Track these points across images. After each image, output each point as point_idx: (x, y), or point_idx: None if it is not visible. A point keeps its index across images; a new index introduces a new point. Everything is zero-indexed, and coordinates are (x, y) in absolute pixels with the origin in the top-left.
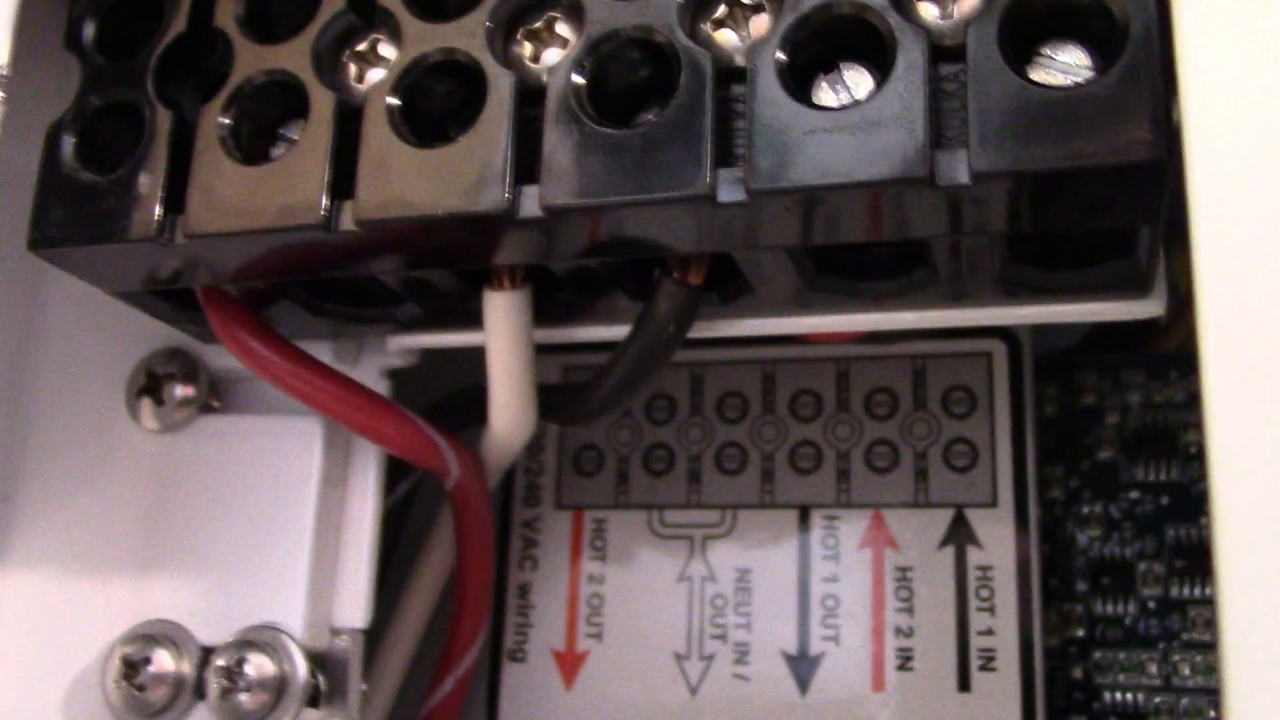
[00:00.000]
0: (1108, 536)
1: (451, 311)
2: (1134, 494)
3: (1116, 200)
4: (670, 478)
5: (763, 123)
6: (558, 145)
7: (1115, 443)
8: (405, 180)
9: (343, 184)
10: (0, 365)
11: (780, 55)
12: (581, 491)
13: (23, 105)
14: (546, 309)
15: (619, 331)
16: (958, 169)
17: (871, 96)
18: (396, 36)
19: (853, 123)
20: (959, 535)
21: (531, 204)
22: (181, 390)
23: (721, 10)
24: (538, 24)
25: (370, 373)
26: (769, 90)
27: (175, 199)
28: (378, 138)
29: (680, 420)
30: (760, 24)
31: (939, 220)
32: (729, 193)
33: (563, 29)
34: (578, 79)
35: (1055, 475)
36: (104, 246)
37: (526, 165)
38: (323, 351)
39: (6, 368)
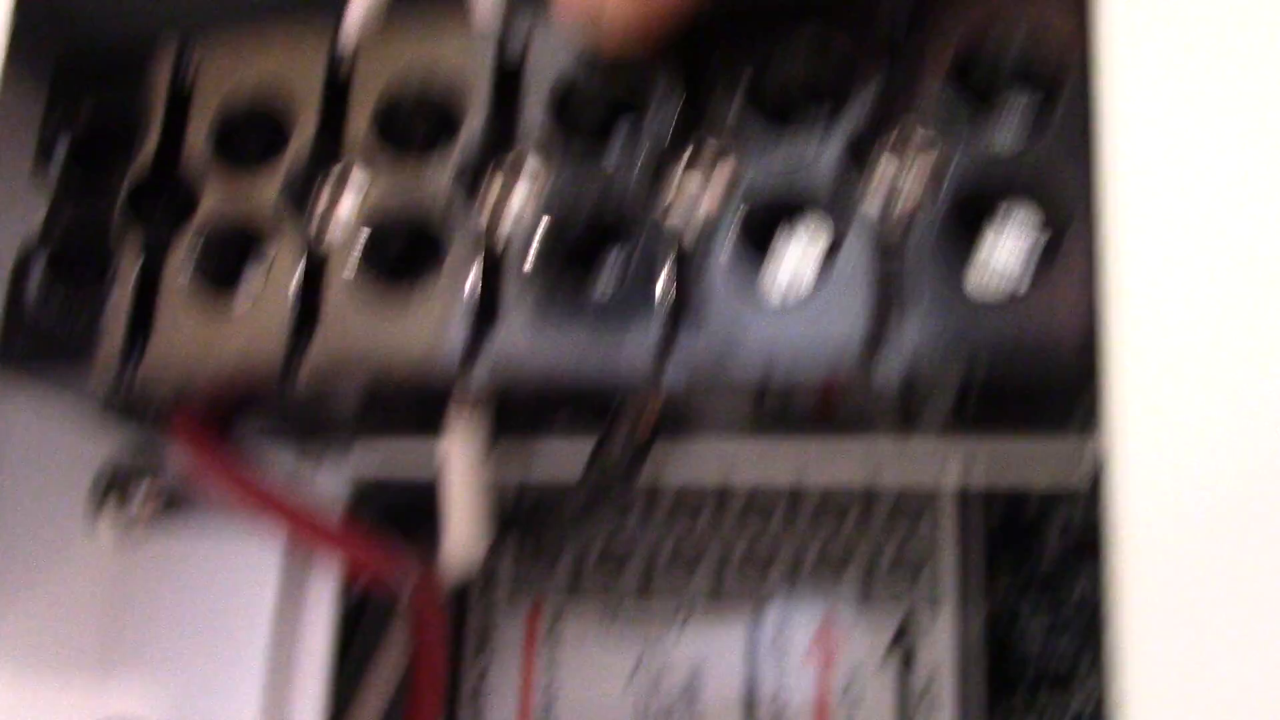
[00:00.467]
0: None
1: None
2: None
3: (1046, 398)
4: (627, 569)
5: (712, 305)
6: (514, 306)
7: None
8: (364, 333)
9: (304, 331)
10: None
11: (730, 242)
12: (537, 583)
13: None
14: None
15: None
16: (896, 362)
17: (815, 289)
18: (362, 179)
19: (796, 310)
20: (906, 637)
21: (484, 368)
22: (144, 492)
23: (680, 177)
24: (503, 169)
25: (334, 480)
26: (719, 271)
27: (139, 332)
28: (338, 288)
29: (637, 511)
30: (713, 196)
31: (881, 402)
32: (675, 376)
33: (524, 184)
34: (536, 242)
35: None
36: (68, 374)
37: (486, 320)
38: (285, 458)
39: None
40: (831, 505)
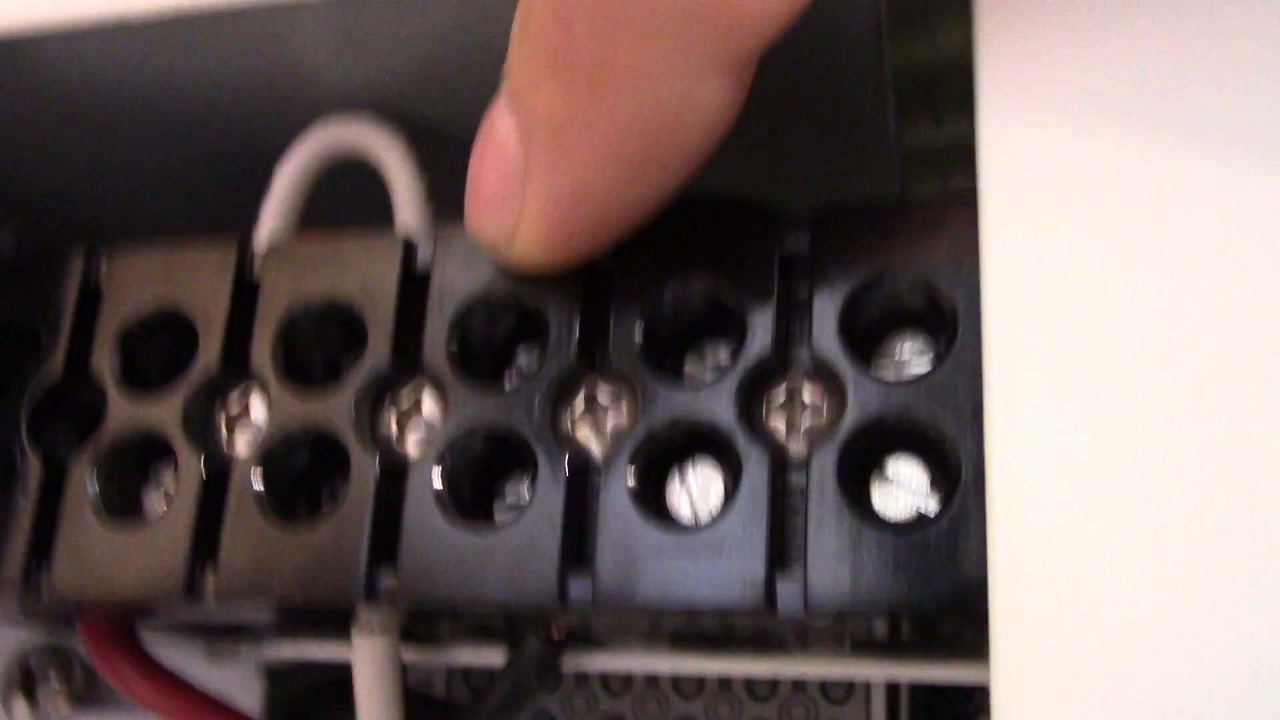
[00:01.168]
0: None
1: (323, 628)
2: None
3: (954, 630)
4: None
5: (611, 536)
6: (415, 539)
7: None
8: (268, 558)
9: (208, 550)
10: None
11: (630, 473)
12: None
13: None
14: (420, 638)
15: (496, 658)
16: (794, 601)
17: (715, 517)
18: (266, 399)
19: (696, 546)
20: None
21: (388, 595)
22: (56, 687)
23: (580, 408)
24: (404, 399)
25: (246, 672)
26: (618, 503)
27: (42, 552)
28: (242, 511)
29: (566, 691)
30: (619, 419)
31: (785, 630)
32: (577, 601)
33: (429, 406)
34: (437, 475)
35: None
36: None
37: (387, 549)
38: (196, 651)
39: None
40: (761, 686)
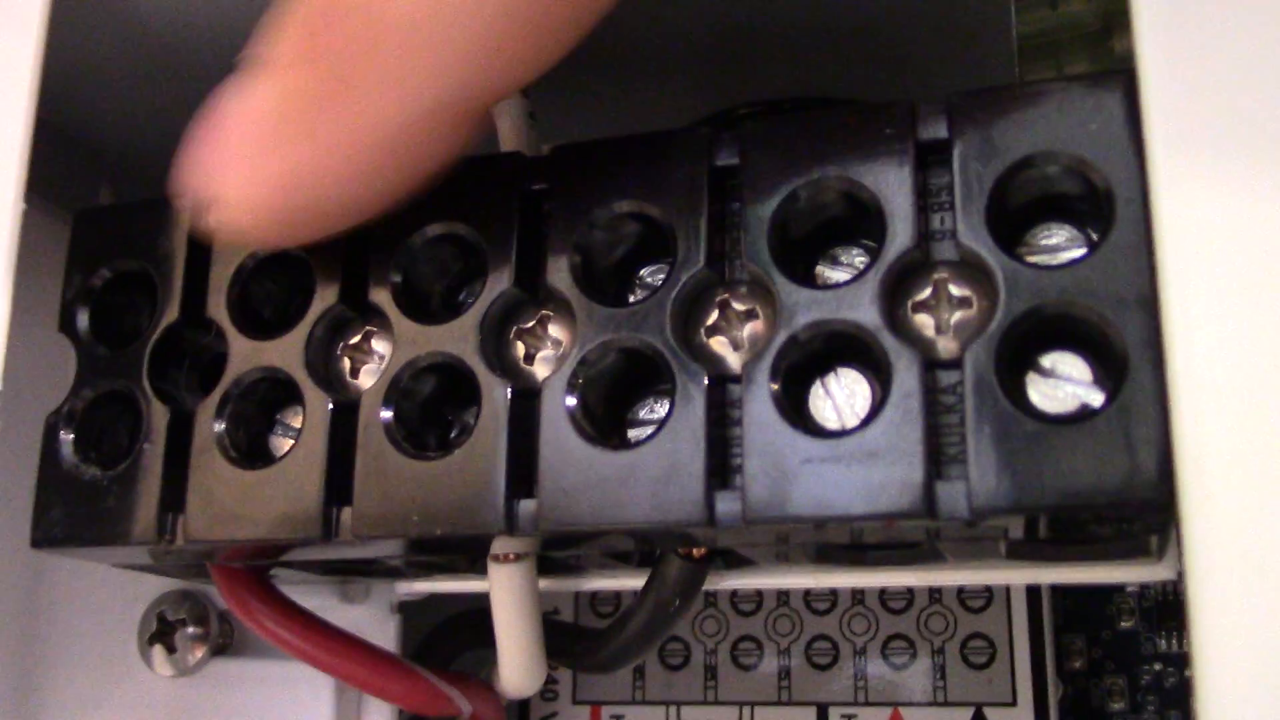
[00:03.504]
0: (1133, 710)
1: (458, 563)
2: (1157, 666)
3: (1123, 524)
4: (687, 673)
5: (757, 448)
6: (553, 462)
7: (1136, 611)
8: (402, 493)
9: (340, 488)
10: (12, 614)
11: (773, 382)
12: (598, 687)
13: (19, 387)
14: (552, 566)
15: (629, 582)
16: (958, 503)
17: (867, 422)
18: (389, 334)
19: (849, 453)
20: None
21: (529, 523)
22: (193, 634)
23: (714, 316)
24: (530, 323)
25: (380, 609)
26: (763, 413)
27: (174, 498)
28: (373, 447)
29: (696, 613)
30: (756, 328)
31: (944, 536)
32: (726, 518)
33: (555, 329)
34: (570, 399)
35: (1075, 646)
36: (106, 546)
37: (524, 476)
38: (330, 592)
39: (18, 617)
40: (896, 600)
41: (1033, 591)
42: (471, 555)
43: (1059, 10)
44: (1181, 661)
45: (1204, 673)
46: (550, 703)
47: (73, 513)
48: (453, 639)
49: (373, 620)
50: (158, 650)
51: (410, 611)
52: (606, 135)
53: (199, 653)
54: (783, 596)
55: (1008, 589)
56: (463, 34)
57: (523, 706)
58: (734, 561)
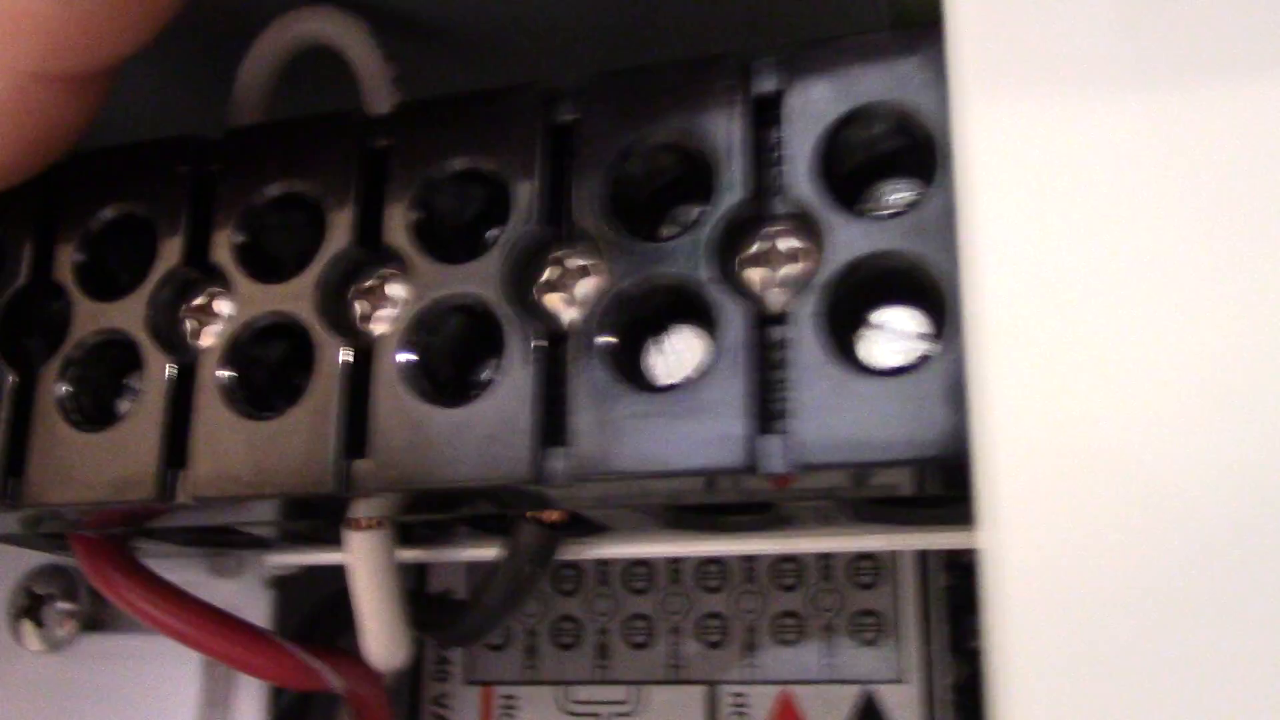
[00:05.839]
0: None
1: (321, 534)
2: None
3: (928, 484)
4: (578, 652)
5: (585, 405)
6: (386, 421)
7: None
8: (237, 453)
9: (179, 451)
10: None
11: (602, 336)
12: (490, 666)
13: None
14: (408, 534)
15: (486, 553)
16: (775, 459)
17: (694, 378)
18: (233, 296)
19: (676, 408)
20: (869, 713)
21: (362, 482)
22: (62, 609)
23: (548, 273)
24: (370, 282)
25: (253, 584)
26: (592, 371)
27: (16, 462)
28: (209, 408)
29: (588, 592)
30: (589, 285)
31: (772, 493)
32: (555, 474)
33: (396, 290)
34: (404, 355)
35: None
36: None
37: (359, 435)
38: (201, 566)
39: None
40: (786, 573)
41: (920, 562)
42: (329, 522)
43: None
44: None
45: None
46: (442, 683)
47: None
48: (335, 615)
49: (245, 596)
50: (26, 625)
51: (286, 587)
52: None
53: (68, 628)
54: (674, 575)
55: (894, 565)
56: (38, 12)
57: (414, 686)
58: (590, 528)
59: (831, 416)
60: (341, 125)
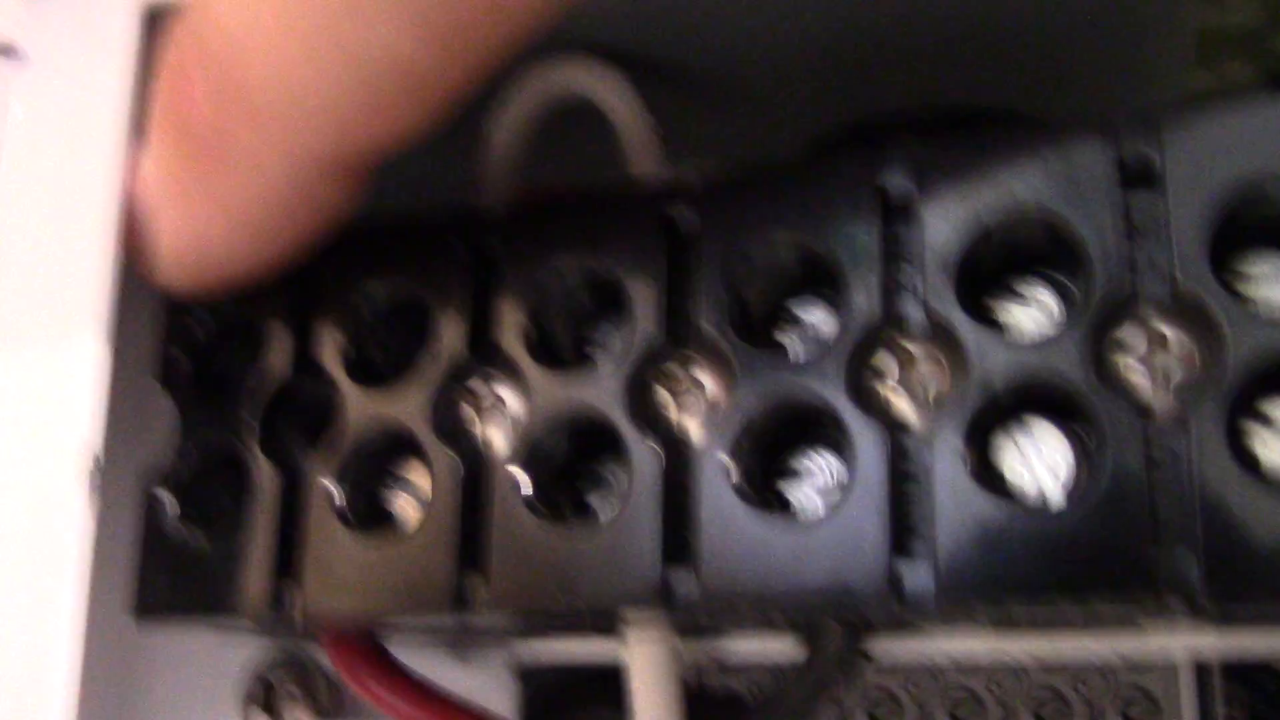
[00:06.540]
0: None
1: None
2: None
3: None
4: None
5: (948, 514)
6: (713, 530)
7: None
8: (541, 562)
9: (471, 556)
10: (108, 676)
11: (962, 439)
12: None
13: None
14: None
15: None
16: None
17: (1075, 490)
18: (517, 383)
19: (1055, 522)
20: None
21: (686, 595)
22: (296, 699)
23: (888, 364)
24: (674, 369)
25: (497, 671)
26: (952, 475)
27: (288, 566)
28: (509, 511)
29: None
30: (938, 378)
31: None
32: (914, 592)
33: (703, 376)
34: (728, 458)
35: None
36: (213, 615)
37: (678, 543)
38: (443, 654)
39: (115, 679)
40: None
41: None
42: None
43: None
44: None
45: None
46: None
47: (178, 581)
48: (576, 706)
49: (489, 683)
50: (260, 716)
51: (531, 678)
52: (728, 155)
53: (302, 718)
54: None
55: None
56: (331, 94)
57: None
58: (900, 628)
59: (979, 543)
60: (643, 199)
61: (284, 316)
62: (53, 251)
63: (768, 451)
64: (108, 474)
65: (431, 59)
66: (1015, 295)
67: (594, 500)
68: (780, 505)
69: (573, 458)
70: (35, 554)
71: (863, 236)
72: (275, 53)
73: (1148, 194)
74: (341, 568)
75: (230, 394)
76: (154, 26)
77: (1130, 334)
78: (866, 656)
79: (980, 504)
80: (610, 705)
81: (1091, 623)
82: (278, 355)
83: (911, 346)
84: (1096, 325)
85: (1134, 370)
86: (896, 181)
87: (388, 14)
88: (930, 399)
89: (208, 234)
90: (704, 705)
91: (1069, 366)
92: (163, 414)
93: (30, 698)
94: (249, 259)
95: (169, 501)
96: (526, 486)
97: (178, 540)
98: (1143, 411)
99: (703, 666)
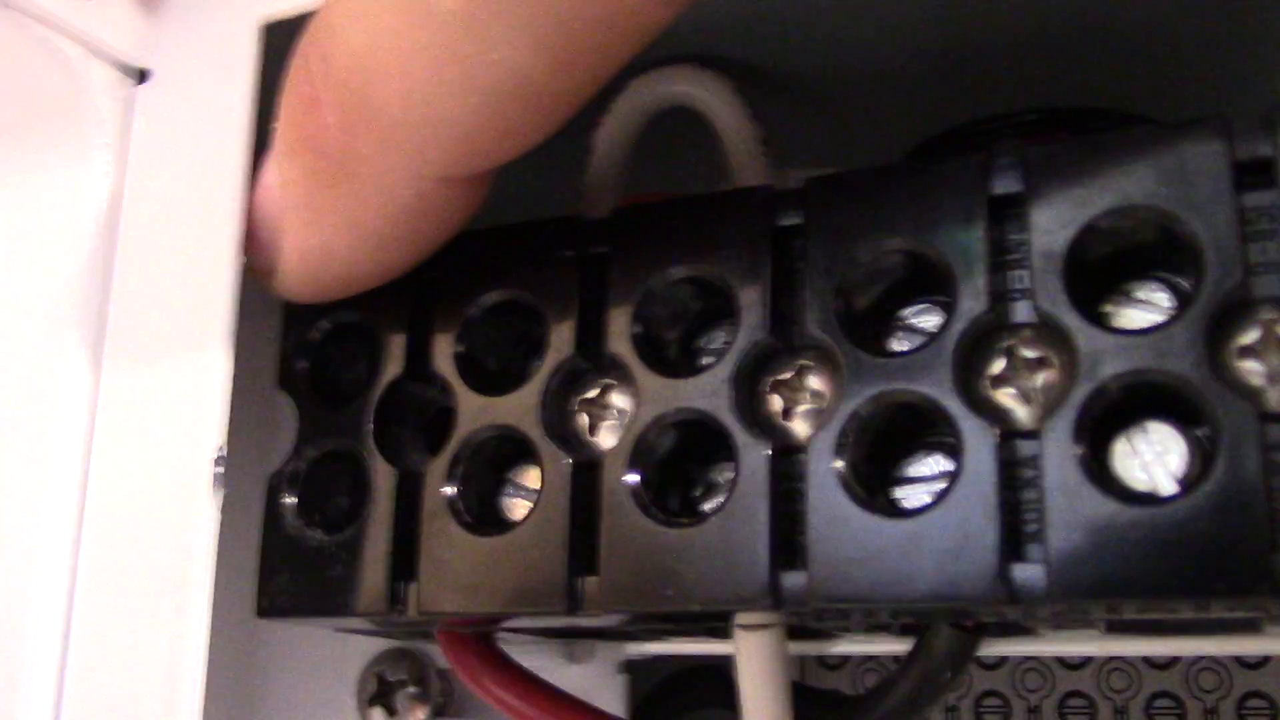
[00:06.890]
0: None
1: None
2: None
3: None
4: None
5: (1061, 515)
6: (825, 531)
7: None
8: (653, 563)
9: (583, 556)
10: (229, 675)
11: (1076, 440)
12: None
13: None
14: (800, 630)
15: (882, 648)
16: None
17: (1192, 485)
18: (629, 388)
19: (1171, 520)
20: None
21: (797, 596)
22: (412, 694)
23: (1000, 365)
24: (786, 374)
25: (606, 668)
26: (1066, 475)
27: (405, 566)
28: (620, 512)
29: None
30: (1049, 378)
31: None
32: (1026, 593)
33: (813, 380)
34: (839, 460)
35: None
36: (331, 614)
37: (788, 544)
38: (554, 651)
39: (236, 678)
40: (1157, 660)
41: None
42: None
43: None
44: None
45: None
46: None
47: (298, 580)
48: (679, 696)
49: (598, 680)
50: (377, 712)
51: (638, 671)
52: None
53: (419, 714)
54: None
55: None
56: (455, 110)
57: None
58: (1008, 631)
59: (1091, 542)
60: (746, 202)
61: (399, 321)
62: (179, 264)
63: (878, 454)
64: (231, 477)
65: (547, 73)
66: (1128, 298)
67: (704, 504)
68: (891, 508)
69: (682, 460)
70: (166, 551)
71: (971, 238)
72: (403, 73)
73: (1264, 194)
74: (456, 567)
75: (347, 397)
76: (269, 38)
77: (1246, 334)
78: (973, 655)
79: (1094, 503)
80: (719, 703)
81: (1208, 627)
82: (393, 359)
83: (1022, 346)
84: (1211, 324)
85: (1251, 372)
86: (1005, 183)
87: (505, 32)
88: (1041, 399)
89: (333, 247)
90: (808, 701)
91: (1183, 364)
92: (283, 419)
93: (162, 688)
94: (370, 268)
95: (288, 501)
96: (637, 488)
97: (297, 540)
98: (1260, 411)
99: (804, 662)
